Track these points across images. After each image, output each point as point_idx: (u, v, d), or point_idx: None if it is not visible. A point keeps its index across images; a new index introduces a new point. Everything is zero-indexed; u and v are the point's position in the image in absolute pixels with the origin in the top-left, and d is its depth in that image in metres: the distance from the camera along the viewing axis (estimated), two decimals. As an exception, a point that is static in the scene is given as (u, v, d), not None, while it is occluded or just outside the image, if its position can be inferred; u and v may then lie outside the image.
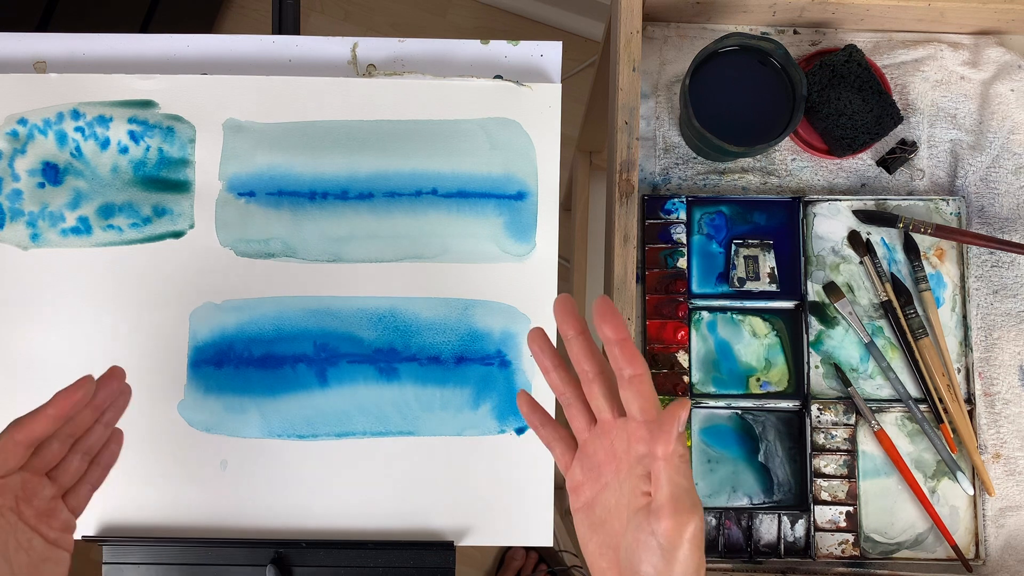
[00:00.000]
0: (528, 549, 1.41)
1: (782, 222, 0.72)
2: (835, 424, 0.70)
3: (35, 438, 0.53)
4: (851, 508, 0.69)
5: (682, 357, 0.70)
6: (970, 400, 0.71)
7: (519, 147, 0.68)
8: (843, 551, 0.68)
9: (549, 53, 0.69)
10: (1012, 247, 0.69)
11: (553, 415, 0.65)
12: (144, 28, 1.35)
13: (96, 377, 0.55)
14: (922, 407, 0.70)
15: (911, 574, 0.67)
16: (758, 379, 0.71)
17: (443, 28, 1.59)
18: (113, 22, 1.31)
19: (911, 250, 0.71)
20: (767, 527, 0.69)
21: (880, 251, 0.72)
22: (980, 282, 0.72)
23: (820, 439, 0.70)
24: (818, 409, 0.70)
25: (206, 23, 1.54)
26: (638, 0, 0.69)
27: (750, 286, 0.71)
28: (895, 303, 0.70)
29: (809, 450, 0.69)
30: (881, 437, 0.69)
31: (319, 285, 0.67)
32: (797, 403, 0.70)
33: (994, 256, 0.72)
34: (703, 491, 0.70)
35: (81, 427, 0.56)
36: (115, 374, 0.57)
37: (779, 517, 0.69)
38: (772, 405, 0.71)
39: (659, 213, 0.72)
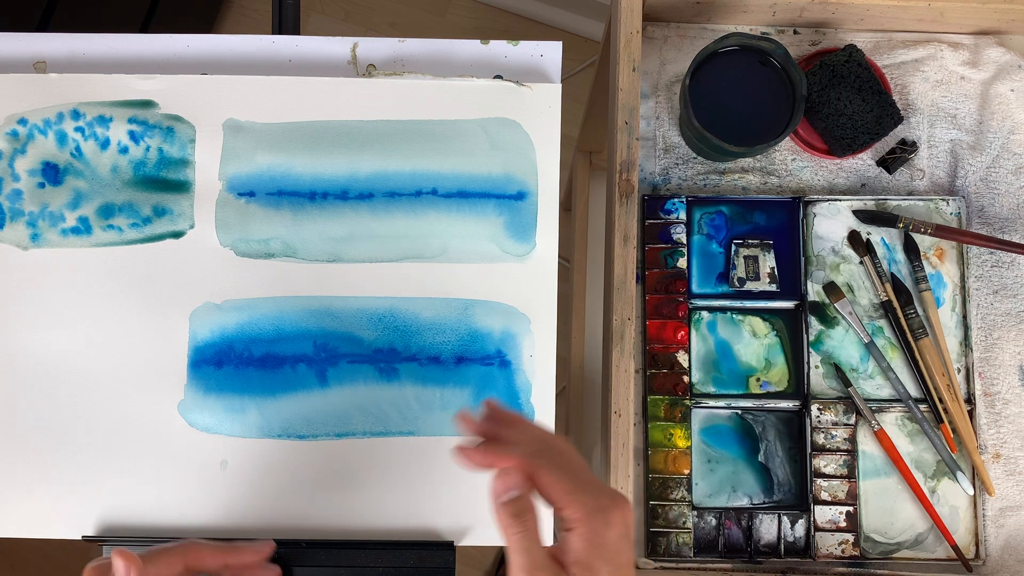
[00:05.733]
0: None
1: (782, 222, 0.72)
2: (835, 424, 0.70)
3: (202, 567, 0.53)
4: (851, 508, 0.69)
5: (682, 357, 0.70)
6: (970, 400, 0.71)
7: (519, 147, 0.68)
8: (843, 551, 0.68)
9: (549, 53, 0.69)
10: (1012, 247, 0.69)
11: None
12: (144, 28, 1.35)
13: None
14: (922, 407, 0.70)
15: (911, 574, 0.67)
16: (758, 379, 0.71)
17: (443, 28, 1.59)
18: (113, 22, 1.31)
19: (911, 250, 0.71)
20: (767, 527, 0.69)
21: (880, 251, 0.72)
22: (980, 282, 0.72)
23: (820, 439, 0.70)
24: (818, 409, 0.70)
25: (206, 23, 1.54)
26: (638, 0, 0.69)
27: (750, 286, 0.71)
28: (895, 303, 0.70)
29: (809, 450, 0.69)
30: (881, 437, 0.69)
31: (319, 285, 0.67)
32: (797, 403, 0.70)
33: (994, 256, 0.72)
34: (703, 491, 0.70)
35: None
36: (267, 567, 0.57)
37: (779, 517, 0.69)
38: (772, 405, 0.71)
39: (659, 213, 0.72)
